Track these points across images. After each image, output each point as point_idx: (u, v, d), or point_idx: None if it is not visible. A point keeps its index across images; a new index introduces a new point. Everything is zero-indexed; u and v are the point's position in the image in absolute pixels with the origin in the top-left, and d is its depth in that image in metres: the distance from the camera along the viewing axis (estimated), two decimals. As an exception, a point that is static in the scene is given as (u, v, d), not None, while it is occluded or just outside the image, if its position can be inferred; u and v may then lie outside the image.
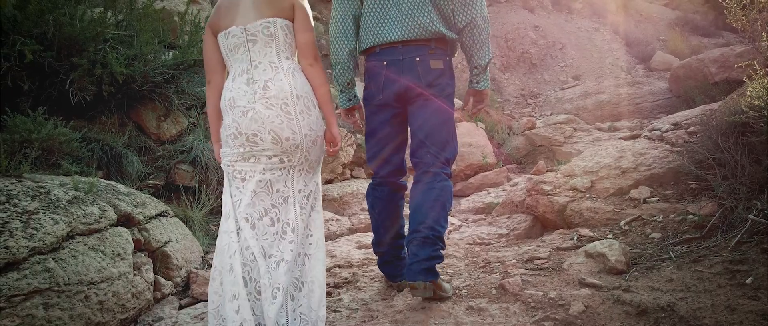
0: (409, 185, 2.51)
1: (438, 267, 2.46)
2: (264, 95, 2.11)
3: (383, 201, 2.53)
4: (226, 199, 2.19)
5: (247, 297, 1.99)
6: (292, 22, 2.21)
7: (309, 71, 2.21)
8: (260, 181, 2.15)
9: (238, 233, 2.09)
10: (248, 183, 2.15)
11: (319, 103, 2.24)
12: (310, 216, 2.24)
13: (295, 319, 2.08)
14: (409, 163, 2.53)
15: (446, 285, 2.48)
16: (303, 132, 2.14)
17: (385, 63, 2.35)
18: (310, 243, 2.23)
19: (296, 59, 2.27)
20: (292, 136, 2.12)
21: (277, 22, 2.17)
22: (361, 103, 2.59)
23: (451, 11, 2.35)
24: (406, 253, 2.39)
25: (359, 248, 3.46)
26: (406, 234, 2.48)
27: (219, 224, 3.78)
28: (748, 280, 2.20)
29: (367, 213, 3.24)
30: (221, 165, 2.26)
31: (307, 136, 2.16)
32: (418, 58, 2.31)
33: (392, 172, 2.51)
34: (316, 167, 2.30)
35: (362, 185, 5.26)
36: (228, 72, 2.29)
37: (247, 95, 2.13)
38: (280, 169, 2.17)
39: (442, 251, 2.32)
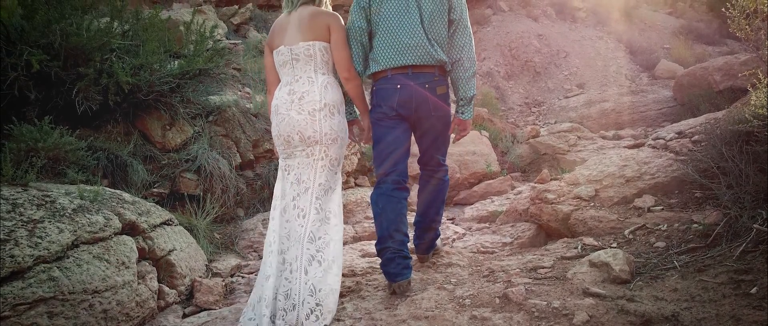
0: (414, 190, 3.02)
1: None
2: (299, 103, 2.64)
3: (388, 197, 2.72)
4: (278, 185, 2.75)
5: (277, 269, 2.53)
6: (329, 44, 2.69)
7: (346, 85, 2.73)
8: (295, 174, 2.69)
9: (281, 215, 2.64)
10: (290, 176, 2.71)
11: (355, 104, 2.83)
12: (326, 205, 2.67)
13: (306, 290, 2.43)
14: (411, 171, 3.00)
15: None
16: (323, 131, 2.63)
17: (398, 86, 2.68)
18: (328, 227, 2.65)
19: (331, 74, 2.74)
20: (313, 134, 2.63)
21: (316, 44, 2.66)
22: (358, 119, 2.95)
23: (444, 48, 2.74)
24: (413, 239, 3.07)
25: (363, 256, 3.46)
26: (409, 236, 2.81)
27: (223, 233, 3.92)
28: (753, 290, 2.19)
29: (372, 221, 4.03)
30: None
31: (328, 134, 2.65)
32: (427, 84, 2.68)
33: (398, 175, 2.77)
34: (337, 166, 2.76)
35: (366, 193, 5.26)
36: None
37: (286, 103, 2.66)
38: (308, 164, 2.67)
39: (439, 230, 3.14)
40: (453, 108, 2.84)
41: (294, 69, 2.69)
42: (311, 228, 2.55)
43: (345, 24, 2.80)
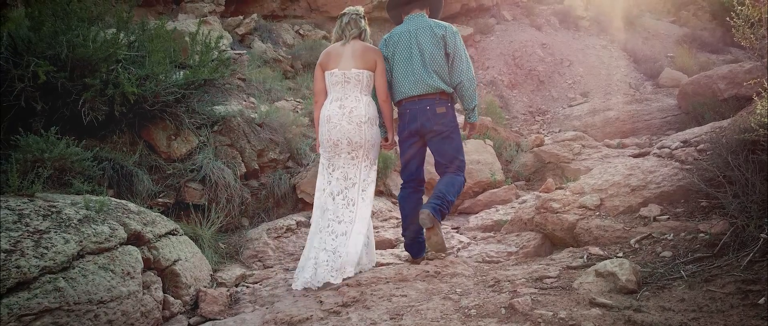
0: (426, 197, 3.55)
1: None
2: (349, 116, 3.41)
3: (407, 199, 3.54)
4: (320, 179, 3.50)
5: (320, 239, 3.32)
6: (374, 72, 3.48)
7: (383, 105, 3.55)
8: (341, 172, 3.44)
9: (330, 201, 3.38)
10: (335, 172, 3.45)
11: (386, 121, 3.61)
12: (366, 193, 3.48)
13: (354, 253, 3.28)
14: (427, 176, 3.74)
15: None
16: (366, 138, 3.44)
17: (408, 111, 3.46)
18: (367, 210, 3.46)
19: (370, 96, 3.53)
20: (359, 140, 3.42)
21: (365, 72, 3.46)
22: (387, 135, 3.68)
23: (447, 75, 3.43)
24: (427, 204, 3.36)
25: (367, 266, 3.45)
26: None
27: (227, 242, 3.96)
28: (761, 300, 2.17)
29: (376, 231, 4.43)
30: (320, 156, 3.56)
31: (369, 141, 3.45)
32: (427, 107, 3.41)
33: (415, 180, 3.54)
34: (374, 163, 3.57)
35: (370, 203, 5.24)
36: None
37: (338, 115, 3.42)
38: (352, 164, 3.45)
39: (445, 211, 3.32)
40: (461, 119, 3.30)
41: (345, 89, 3.45)
42: (359, 213, 3.38)
43: None
